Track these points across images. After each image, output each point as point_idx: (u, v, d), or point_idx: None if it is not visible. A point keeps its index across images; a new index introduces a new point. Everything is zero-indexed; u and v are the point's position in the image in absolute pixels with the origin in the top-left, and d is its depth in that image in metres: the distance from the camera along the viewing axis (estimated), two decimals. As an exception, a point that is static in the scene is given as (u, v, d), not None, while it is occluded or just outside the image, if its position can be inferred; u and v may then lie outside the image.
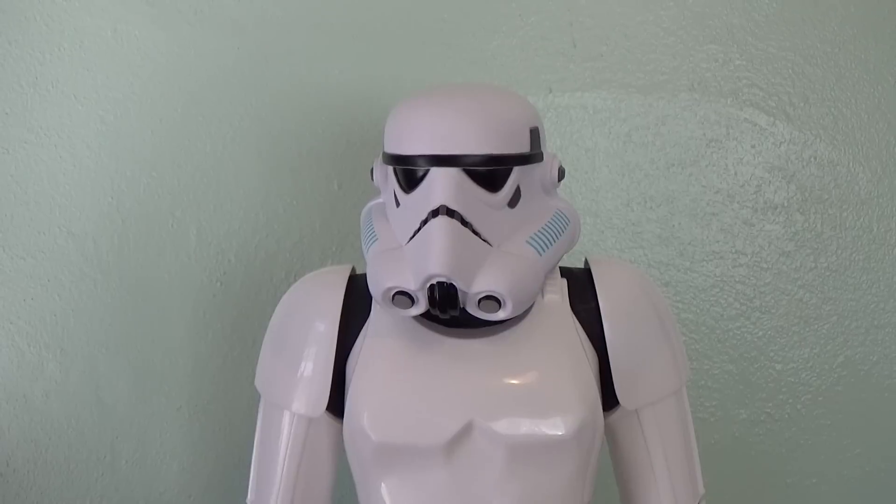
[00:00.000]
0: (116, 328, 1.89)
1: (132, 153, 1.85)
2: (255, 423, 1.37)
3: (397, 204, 1.23)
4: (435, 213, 1.12)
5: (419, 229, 1.14)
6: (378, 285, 1.16)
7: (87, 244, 1.86)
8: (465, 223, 1.13)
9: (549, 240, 1.21)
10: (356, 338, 1.27)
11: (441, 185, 1.13)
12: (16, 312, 1.87)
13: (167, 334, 1.89)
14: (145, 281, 1.87)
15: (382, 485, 1.22)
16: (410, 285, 1.13)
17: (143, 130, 1.85)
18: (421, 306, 1.15)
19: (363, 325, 1.27)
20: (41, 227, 1.86)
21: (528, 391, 1.20)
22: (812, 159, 1.91)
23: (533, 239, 1.19)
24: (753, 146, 1.90)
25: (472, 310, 1.15)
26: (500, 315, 1.15)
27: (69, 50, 1.84)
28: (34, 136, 1.84)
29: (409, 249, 1.16)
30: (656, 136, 1.89)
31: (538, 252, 1.18)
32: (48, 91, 1.84)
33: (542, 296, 1.26)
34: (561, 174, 1.27)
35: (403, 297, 1.15)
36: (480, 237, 1.15)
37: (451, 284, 1.11)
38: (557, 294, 1.27)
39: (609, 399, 1.29)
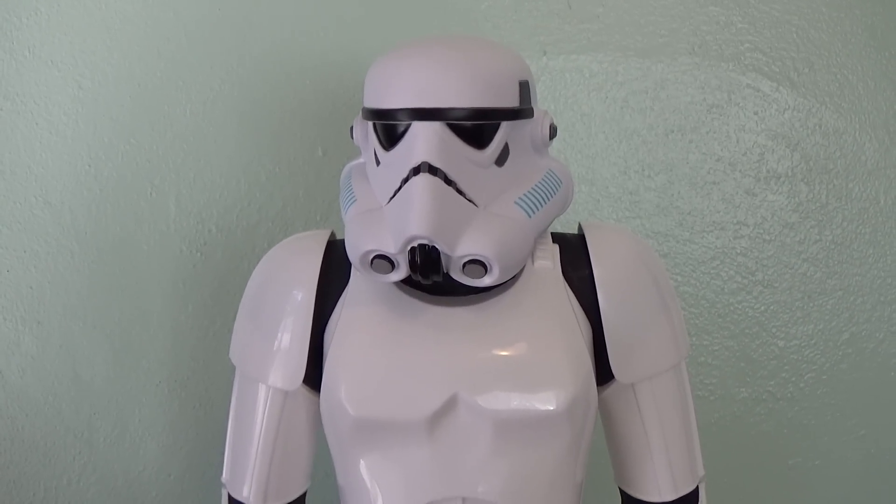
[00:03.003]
0: (94, 300, 1.87)
1: (110, 119, 1.83)
2: (231, 403, 1.35)
3: (377, 162, 1.18)
4: (416, 171, 1.08)
5: (400, 188, 1.10)
6: (356, 249, 1.12)
7: (64, 214, 1.84)
8: (448, 182, 1.08)
9: (539, 201, 1.17)
10: (334, 306, 1.24)
11: (423, 141, 1.09)
12: (-10, 285, 1.86)
13: (146, 307, 1.87)
14: (124, 251, 1.85)
15: (362, 462, 1.20)
16: (390, 248, 1.08)
17: (121, 96, 1.83)
18: (401, 271, 1.11)
19: (342, 292, 1.24)
20: (17, 196, 1.83)
21: (517, 363, 1.16)
22: (817, 127, 1.88)
23: (522, 200, 1.15)
24: (756, 113, 1.88)
25: (457, 275, 1.11)
26: (487, 281, 1.11)
27: (46, 14, 1.81)
28: (10, 103, 1.81)
29: (388, 210, 1.12)
30: (655, 102, 1.86)
31: (527, 214, 1.14)
32: (24, 56, 1.81)
33: (532, 262, 1.22)
34: (553, 131, 1.22)
35: (383, 262, 1.10)
36: (465, 197, 1.10)
37: (434, 247, 1.07)
38: (549, 260, 1.23)
39: (603, 372, 1.25)
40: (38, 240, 1.84)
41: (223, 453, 1.37)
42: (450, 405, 1.15)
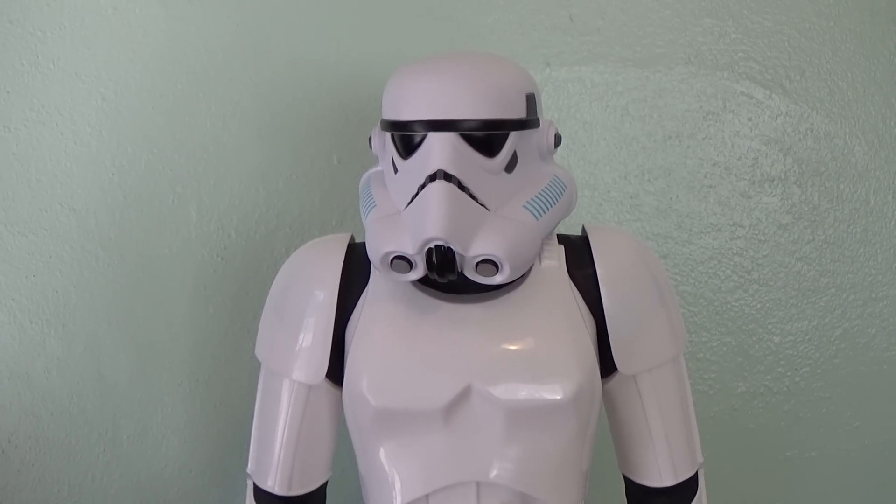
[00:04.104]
0: (118, 304, 1.88)
1: (133, 130, 1.85)
2: (256, 398, 1.39)
3: (395, 170, 1.23)
4: (432, 178, 1.13)
5: (417, 194, 1.15)
6: (376, 250, 1.17)
7: (89, 220, 1.86)
8: (462, 187, 1.14)
9: (545, 204, 1.22)
10: (355, 304, 1.28)
11: (438, 150, 1.14)
12: (17, 289, 1.86)
13: (168, 310, 1.89)
14: (146, 257, 1.87)
15: (382, 449, 1.24)
16: (408, 249, 1.14)
17: (143, 107, 1.85)
18: (419, 270, 1.16)
19: (362, 291, 1.28)
20: (43, 203, 1.85)
21: (526, 356, 1.21)
22: (808, 132, 1.91)
23: (530, 203, 1.20)
24: (750, 119, 1.90)
25: (470, 274, 1.16)
26: (498, 279, 1.16)
27: (70, 28, 1.83)
28: (35, 115, 1.83)
29: (406, 214, 1.17)
30: (653, 110, 1.89)
31: (535, 216, 1.19)
32: (49, 69, 1.83)
33: (540, 262, 1.27)
34: (557, 140, 1.27)
35: (402, 262, 1.16)
36: (478, 201, 1.16)
37: (449, 248, 1.12)
38: (555, 260, 1.27)
39: (607, 365, 1.30)
40: (64, 245, 1.86)
41: (244, 449, 1.41)
42: (464, 395, 1.20)
